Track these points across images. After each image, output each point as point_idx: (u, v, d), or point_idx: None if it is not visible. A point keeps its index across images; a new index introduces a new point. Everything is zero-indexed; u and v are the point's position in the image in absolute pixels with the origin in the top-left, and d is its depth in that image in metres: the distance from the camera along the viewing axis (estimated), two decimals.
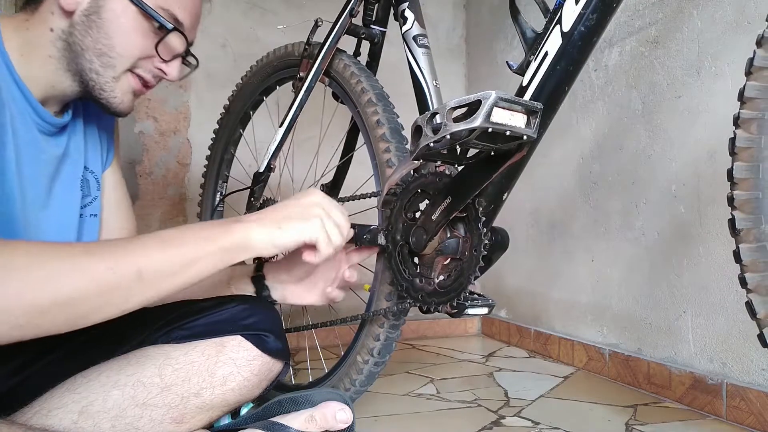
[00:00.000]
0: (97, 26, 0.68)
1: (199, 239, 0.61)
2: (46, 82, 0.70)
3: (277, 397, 0.75)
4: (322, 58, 1.04)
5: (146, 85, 0.74)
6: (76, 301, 0.53)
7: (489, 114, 0.59)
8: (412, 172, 0.85)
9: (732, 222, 0.49)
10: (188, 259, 0.60)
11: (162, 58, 0.72)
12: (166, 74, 0.74)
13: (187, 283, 0.60)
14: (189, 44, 0.75)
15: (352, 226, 0.81)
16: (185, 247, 0.60)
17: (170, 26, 0.70)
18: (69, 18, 0.68)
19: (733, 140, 0.48)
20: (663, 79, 1.19)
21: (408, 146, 0.93)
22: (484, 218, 0.74)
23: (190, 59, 0.77)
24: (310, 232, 0.67)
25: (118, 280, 0.55)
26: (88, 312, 0.55)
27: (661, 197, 1.19)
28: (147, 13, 0.69)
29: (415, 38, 0.95)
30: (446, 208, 0.77)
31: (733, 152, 0.48)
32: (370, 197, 0.96)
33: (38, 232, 0.70)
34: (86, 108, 0.80)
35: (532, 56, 0.71)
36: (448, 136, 0.62)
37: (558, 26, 0.68)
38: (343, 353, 0.99)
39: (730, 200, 0.49)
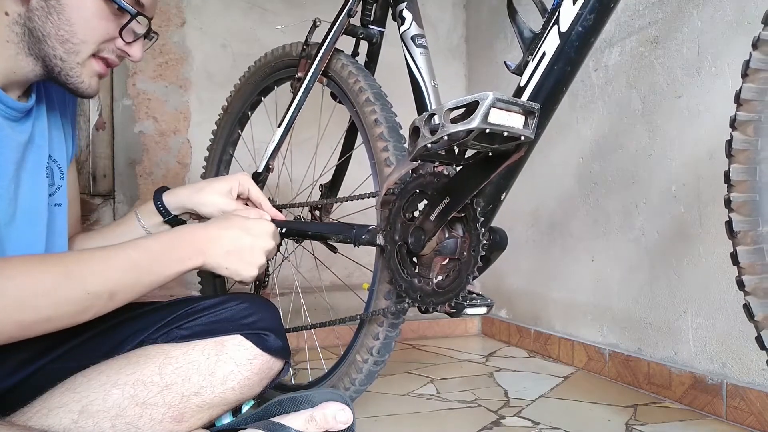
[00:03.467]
0: (57, 12, 0.66)
1: (163, 266, 0.70)
2: (6, 68, 0.68)
3: (277, 397, 0.75)
4: (321, 58, 1.04)
5: (109, 65, 0.74)
6: (55, 320, 0.62)
7: (486, 115, 0.59)
8: (410, 172, 0.85)
9: (729, 224, 0.49)
10: (150, 282, 0.69)
11: (125, 41, 0.72)
12: (130, 55, 0.74)
13: (144, 293, 0.70)
14: (150, 22, 0.74)
15: (345, 226, 0.91)
16: (149, 274, 0.69)
17: (133, 10, 0.70)
18: (26, 3, 0.66)
19: (729, 142, 0.48)
20: (663, 79, 1.19)
21: (406, 145, 0.93)
22: (482, 218, 0.74)
23: (151, 34, 0.77)
24: (246, 275, 0.77)
25: (93, 301, 0.64)
26: (62, 324, 0.63)
27: (661, 197, 1.19)
28: None
29: (413, 38, 0.95)
30: (444, 209, 0.77)
31: (729, 154, 0.48)
32: (368, 197, 0.96)
33: (8, 223, 0.70)
34: (48, 95, 0.78)
35: (529, 56, 0.71)
36: (446, 137, 0.62)
37: (556, 26, 0.68)
38: (342, 353, 0.99)
39: (727, 202, 0.49)
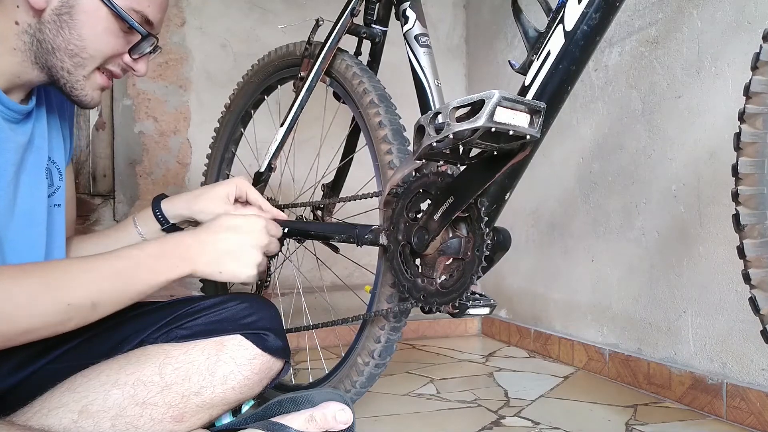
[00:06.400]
0: (69, 27, 0.67)
1: (149, 274, 0.68)
2: (11, 73, 0.69)
3: (277, 397, 0.75)
4: (323, 57, 1.04)
5: (113, 76, 0.75)
6: (38, 330, 0.61)
7: (492, 113, 0.59)
8: (413, 172, 0.85)
9: (736, 217, 0.49)
10: (136, 291, 0.68)
11: (133, 58, 0.74)
12: (135, 71, 0.75)
13: (129, 304, 0.68)
14: (157, 39, 0.75)
15: (348, 226, 0.90)
16: (134, 283, 0.67)
17: (144, 32, 0.72)
18: (38, 15, 0.67)
19: (738, 135, 0.48)
20: (663, 79, 1.19)
21: (410, 148, 0.93)
22: (486, 218, 0.74)
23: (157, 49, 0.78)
24: (245, 276, 0.75)
25: (74, 312, 0.62)
26: (42, 335, 0.62)
27: (661, 197, 1.20)
28: (119, 15, 0.69)
29: (416, 37, 0.95)
30: (448, 208, 0.76)
31: (738, 147, 0.48)
32: (371, 197, 0.96)
33: (7, 224, 0.70)
34: (48, 97, 0.79)
35: (534, 55, 0.71)
36: (451, 136, 0.62)
37: (561, 25, 0.68)
38: (343, 354, 0.99)
39: (735, 195, 0.49)
